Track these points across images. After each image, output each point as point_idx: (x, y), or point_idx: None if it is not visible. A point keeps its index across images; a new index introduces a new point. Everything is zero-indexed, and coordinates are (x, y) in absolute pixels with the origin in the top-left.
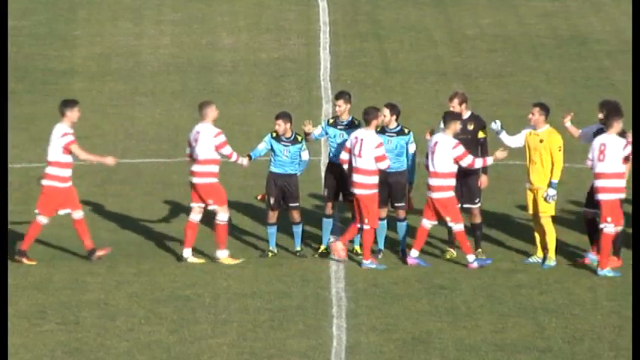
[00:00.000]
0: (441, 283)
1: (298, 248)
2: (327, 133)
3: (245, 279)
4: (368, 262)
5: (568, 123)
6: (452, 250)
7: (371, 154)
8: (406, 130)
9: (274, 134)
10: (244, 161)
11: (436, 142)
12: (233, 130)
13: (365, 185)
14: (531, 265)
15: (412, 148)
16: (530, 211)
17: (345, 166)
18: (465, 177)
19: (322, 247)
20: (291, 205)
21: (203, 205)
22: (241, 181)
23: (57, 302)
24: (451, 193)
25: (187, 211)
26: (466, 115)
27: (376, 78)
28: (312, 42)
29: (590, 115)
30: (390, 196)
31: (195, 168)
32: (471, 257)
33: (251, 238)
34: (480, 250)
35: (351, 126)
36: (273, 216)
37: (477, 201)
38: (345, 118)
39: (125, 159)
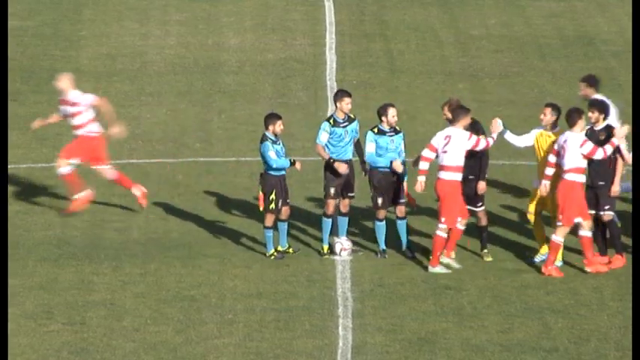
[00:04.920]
0: (446, 283)
1: (287, 245)
2: (330, 134)
3: (251, 279)
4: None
5: None
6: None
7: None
8: (398, 128)
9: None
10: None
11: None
12: (239, 131)
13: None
14: (537, 265)
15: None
16: (531, 210)
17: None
18: (468, 181)
19: (325, 248)
20: (287, 201)
21: None
22: (247, 181)
23: (63, 302)
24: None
25: (192, 211)
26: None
27: (382, 78)
28: (318, 42)
29: None
30: (393, 195)
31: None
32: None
33: (256, 239)
34: (485, 250)
35: (350, 122)
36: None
37: (479, 205)
38: (342, 116)
39: (131, 159)
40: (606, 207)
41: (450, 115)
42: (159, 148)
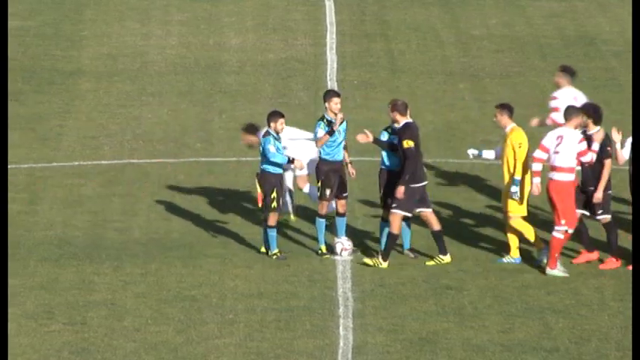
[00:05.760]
0: (447, 283)
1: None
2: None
3: (252, 279)
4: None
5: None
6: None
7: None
8: None
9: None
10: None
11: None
12: (240, 131)
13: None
14: (538, 265)
15: None
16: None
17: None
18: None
19: (323, 248)
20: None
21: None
22: (248, 181)
23: (64, 302)
24: None
25: (193, 211)
26: (401, 123)
27: (383, 78)
28: (319, 42)
29: None
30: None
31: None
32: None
33: (257, 239)
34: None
35: (341, 122)
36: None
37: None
38: (334, 116)
39: (132, 159)
40: (599, 211)
41: (393, 116)
42: (160, 148)
